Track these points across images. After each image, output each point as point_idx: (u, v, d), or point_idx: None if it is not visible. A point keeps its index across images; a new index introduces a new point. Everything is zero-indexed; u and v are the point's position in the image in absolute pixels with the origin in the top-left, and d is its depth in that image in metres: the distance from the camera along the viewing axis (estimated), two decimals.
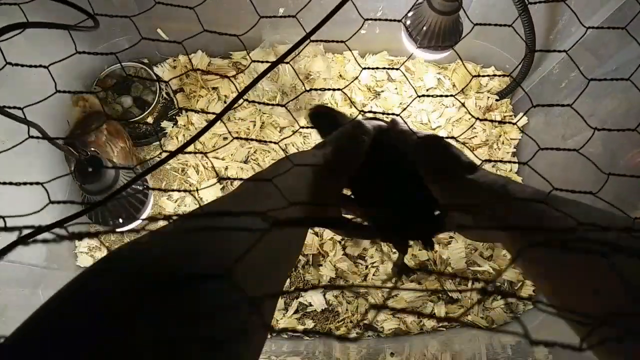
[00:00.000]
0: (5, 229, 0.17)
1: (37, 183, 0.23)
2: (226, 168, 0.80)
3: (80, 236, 0.17)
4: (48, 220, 0.20)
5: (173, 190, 0.28)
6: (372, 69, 0.29)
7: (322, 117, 0.43)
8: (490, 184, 0.33)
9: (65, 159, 0.71)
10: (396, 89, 0.85)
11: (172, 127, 0.82)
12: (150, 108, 0.77)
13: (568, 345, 0.14)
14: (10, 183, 0.23)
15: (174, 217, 0.21)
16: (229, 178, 0.25)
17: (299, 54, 0.81)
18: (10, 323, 0.58)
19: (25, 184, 0.23)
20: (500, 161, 0.32)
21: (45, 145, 0.60)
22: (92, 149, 0.63)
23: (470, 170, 0.35)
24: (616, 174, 0.26)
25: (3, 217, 0.19)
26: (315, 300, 0.73)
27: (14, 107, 0.30)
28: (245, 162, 0.81)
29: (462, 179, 0.34)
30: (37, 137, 0.28)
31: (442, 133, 0.82)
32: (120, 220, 0.61)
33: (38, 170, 0.67)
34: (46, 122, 0.36)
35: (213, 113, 0.26)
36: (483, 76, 0.35)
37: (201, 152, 0.23)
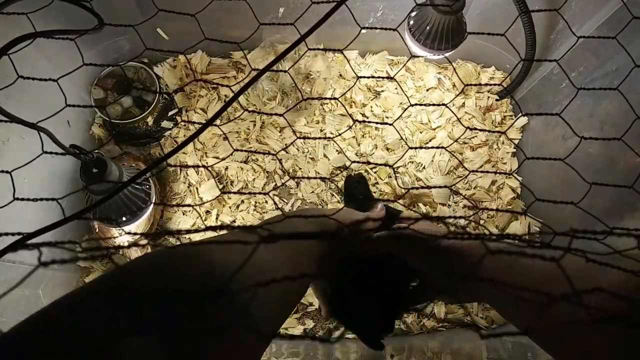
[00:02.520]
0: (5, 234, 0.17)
1: (53, 199, 0.23)
2: (226, 168, 0.80)
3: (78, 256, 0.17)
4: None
5: (175, 206, 0.28)
6: (368, 77, 0.30)
7: (355, 187, 0.46)
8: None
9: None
10: (396, 88, 0.85)
11: (172, 127, 0.82)
12: (150, 108, 0.77)
13: (517, 332, 0.15)
14: (28, 199, 0.23)
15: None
16: (230, 191, 0.25)
17: (299, 59, 0.81)
18: (10, 323, 0.58)
19: (42, 199, 0.23)
20: (495, 172, 0.32)
21: (51, 144, 0.61)
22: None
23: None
24: (599, 183, 0.27)
25: (22, 234, 0.19)
26: (316, 300, 0.73)
27: (29, 123, 0.30)
28: (245, 162, 0.81)
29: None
30: (51, 153, 0.28)
31: (441, 133, 0.82)
32: (124, 219, 0.61)
33: (44, 163, 0.67)
34: (47, 120, 0.36)
35: (203, 125, 0.26)
36: (476, 85, 0.35)
37: (203, 166, 0.23)
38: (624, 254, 0.21)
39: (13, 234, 0.17)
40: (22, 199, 0.23)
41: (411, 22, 0.59)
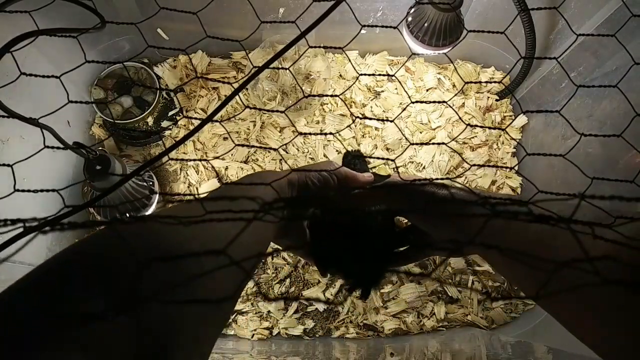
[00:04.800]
0: (14, 221, 0.18)
1: (54, 190, 0.23)
2: (226, 168, 0.80)
3: (88, 224, 0.17)
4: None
5: (177, 194, 0.28)
6: (369, 75, 0.30)
7: (355, 163, 0.47)
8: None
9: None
10: (396, 89, 0.85)
11: (172, 126, 0.82)
12: (151, 108, 0.77)
13: (524, 297, 0.15)
14: (29, 191, 0.23)
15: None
16: (232, 182, 0.25)
17: (299, 58, 0.81)
18: None
19: (42, 191, 0.24)
20: (496, 166, 0.32)
21: (52, 142, 0.61)
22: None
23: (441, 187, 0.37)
24: (600, 177, 0.27)
25: (23, 220, 0.19)
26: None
27: (30, 119, 0.30)
28: (246, 162, 0.81)
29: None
30: (52, 147, 0.29)
31: (441, 133, 0.82)
32: (128, 215, 0.62)
33: (43, 164, 0.67)
34: (48, 117, 0.36)
35: (201, 120, 0.27)
36: (476, 82, 0.35)
37: (204, 160, 0.23)
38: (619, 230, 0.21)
39: (14, 221, 0.17)
40: (23, 191, 0.23)
41: (409, 19, 0.59)
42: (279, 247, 0.65)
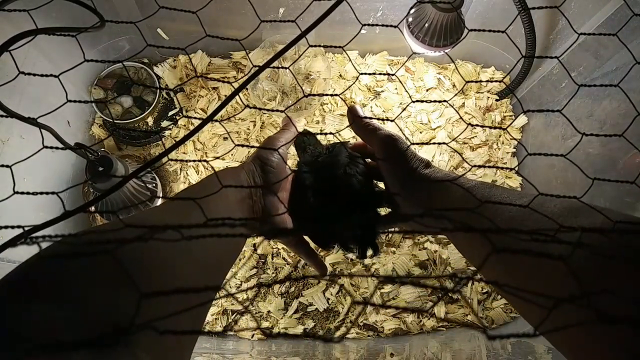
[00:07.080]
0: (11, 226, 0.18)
1: (53, 193, 0.23)
2: (226, 168, 0.80)
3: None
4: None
5: (179, 199, 0.28)
6: (369, 74, 0.30)
7: (304, 141, 0.47)
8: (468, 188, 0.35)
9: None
10: (396, 89, 0.85)
11: (172, 126, 0.82)
12: (151, 108, 0.77)
13: (523, 334, 0.15)
14: (28, 193, 0.23)
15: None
16: (230, 186, 0.25)
17: (299, 58, 0.81)
18: None
19: (41, 193, 0.24)
20: (496, 167, 0.32)
21: (52, 142, 0.61)
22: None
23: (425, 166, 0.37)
24: (601, 178, 0.27)
25: (23, 227, 0.19)
26: (316, 299, 0.73)
27: (29, 118, 0.30)
28: None
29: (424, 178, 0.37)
30: (51, 147, 0.28)
31: (442, 133, 0.82)
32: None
33: (43, 165, 0.67)
34: (47, 117, 0.36)
35: (200, 119, 0.26)
36: (476, 81, 0.35)
37: (204, 160, 0.23)
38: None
39: (13, 227, 0.17)
40: (23, 193, 0.23)
41: (410, 19, 0.59)
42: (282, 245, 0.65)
